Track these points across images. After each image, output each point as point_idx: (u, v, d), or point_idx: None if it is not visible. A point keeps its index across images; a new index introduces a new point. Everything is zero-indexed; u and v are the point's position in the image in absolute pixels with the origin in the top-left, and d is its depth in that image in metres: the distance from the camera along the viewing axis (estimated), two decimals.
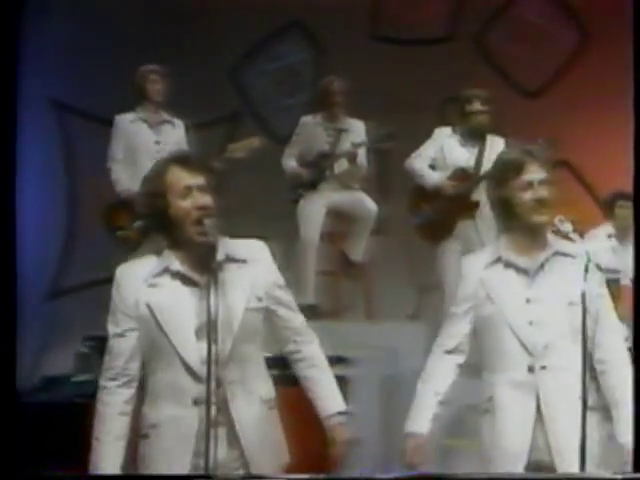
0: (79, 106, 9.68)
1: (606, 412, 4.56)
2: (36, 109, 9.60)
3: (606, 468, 4.47)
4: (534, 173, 4.43)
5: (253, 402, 4.17)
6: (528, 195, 4.40)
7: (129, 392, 4.14)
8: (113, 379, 4.14)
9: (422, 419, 4.54)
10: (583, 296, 4.23)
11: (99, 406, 4.16)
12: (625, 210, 8.86)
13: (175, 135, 7.98)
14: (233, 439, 4.11)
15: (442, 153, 8.05)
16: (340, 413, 4.32)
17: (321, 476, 4.85)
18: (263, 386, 4.25)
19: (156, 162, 4.41)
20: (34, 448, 5.56)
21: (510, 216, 4.50)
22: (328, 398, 4.33)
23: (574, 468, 4.16)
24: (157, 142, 7.80)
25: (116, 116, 7.95)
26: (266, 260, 4.30)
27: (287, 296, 4.35)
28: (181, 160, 4.17)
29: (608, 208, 8.98)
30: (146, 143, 7.81)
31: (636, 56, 5.16)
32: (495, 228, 7.59)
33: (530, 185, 4.41)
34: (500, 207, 4.54)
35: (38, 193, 9.48)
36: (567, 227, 4.35)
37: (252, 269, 4.20)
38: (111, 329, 4.16)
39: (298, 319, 4.36)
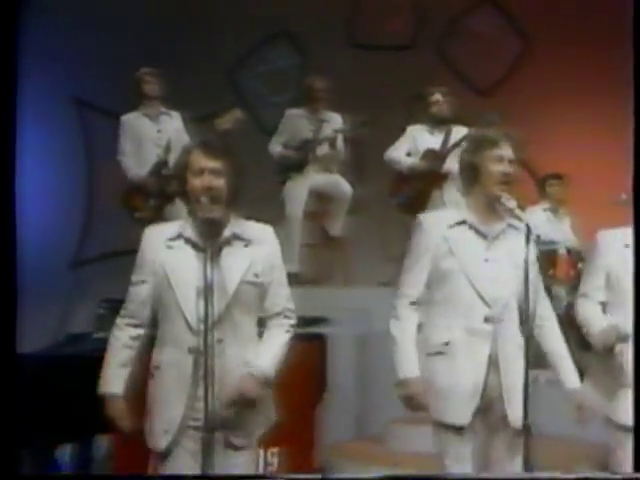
0: (96, 103, 9.72)
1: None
2: (60, 107, 9.71)
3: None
4: (508, 151, 4.45)
5: (235, 362, 4.16)
6: (497, 168, 4.43)
7: (135, 331, 4.23)
8: (123, 317, 4.24)
9: (412, 364, 4.48)
10: (526, 262, 4.31)
11: (110, 338, 4.26)
12: (554, 188, 8.99)
13: (173, 124, 8.05)
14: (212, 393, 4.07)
15: (415, 144, 8.17)
16: (257, 369, 4.18)
17: (321, 476, 4.91)
18: (248, 352, 4.21)
19: (188, 143, 4.57)
20: (60, 392, 5.59)
21: (474, 182, 4.52)
22: (260, 355, 4.23)
23: (519, 406, 4.23)
24: (159, 131, 7.89)
25: (122, 117, 8.03)
26: (270, 243, 4.30)
27: (282, 278, 4.34)
28: (203, 145, 4.21)
29: (541, 187, 9.05)
30: (149, 133, 7.92)
31: (636, 57, 5.06)
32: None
33: (501, 160, 4.43)
34: (468, 172, 4.56)
35: (61, 181, 9.61)
36: (512, 204, 4.40)
37: (255, 249, 4.22)
38: (133, 277, 4.24)
39: (284, 300, 4.34)
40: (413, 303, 4.53)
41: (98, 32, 9.57)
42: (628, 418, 4.71)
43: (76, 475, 4.80)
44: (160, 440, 4.14)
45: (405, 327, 4.53)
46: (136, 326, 4.22)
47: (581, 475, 4.56)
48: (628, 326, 4.72)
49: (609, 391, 4.87)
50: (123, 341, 4.22)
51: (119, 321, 4.25)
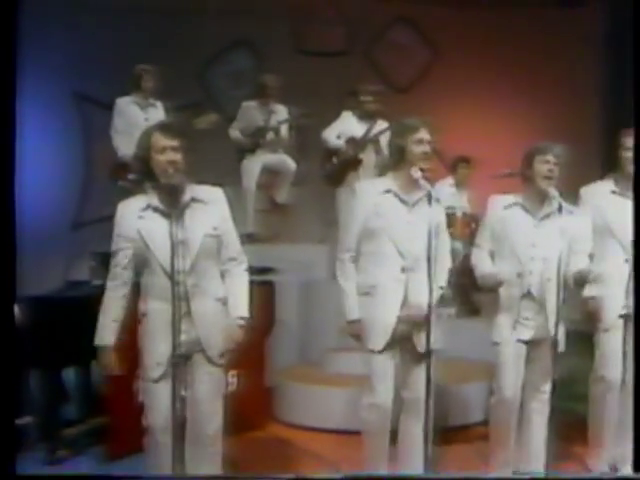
0: (90, 92, 9.66)
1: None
2: (61, 98, 9.68)
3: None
4: (425, 134, 4.56)
5: (208, 300, 4.26)
6: (419, 148, 4.54)
7: (123, 290, 4.23)
8: (113, 280, 4.24)
9: (355, 309, 4.64)
10: (430, 220, 4.40)
11: (104, 299, 4.26)
12: (463, 170, 9.03)
13: (158, 114, 7.80)
14: (193, 326, 4.20)
15: (344, 128, 8.10)
16: (240, 318, 4.35)
17: (322, 476, 4.76)
18: (217, 289, 4.32)
19: (146, 128, 4.41)
20: (63, 326, 5.61)
21: (401, 160, 4.61)
22: (236, 306, 4.36)
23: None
24: (146, 119, 7.61)
25: (117, 99, 7.85)
26: (221, 201, 4.34)
27: (232, 229, 4.39)
28: (162, 127, 4.23)
29: (452, 167, 9.10)
30: (138, 119, 7.65)
31: (636, 56, 4.91)
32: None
33: (420, 142, 4.55)
34: (396, 153, 4.65)
35: (63, 160, 9.65)
36: (418, 175, 4.48)
37: (210, 207, 4.27)
38: (113, 247, 4.24)
39: (237, 246, 4.41)
40: (353, 257, 4.64)
41: (93, 31, 9.58)
42: (500, 338, 4.98)
43: (76, 475, 4.70)
44: (154, 371, 4.20)
45: (350, 278, 4.66)
46: (123, 286, 4.23)
47: (582, 475, 4.58)
48: (508, 273, 4.91)
49: (491, 319, 5.09)
50: (115, 299, 4.23)
51: (109, 284, 4.25)
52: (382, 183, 4.72)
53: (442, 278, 4.71)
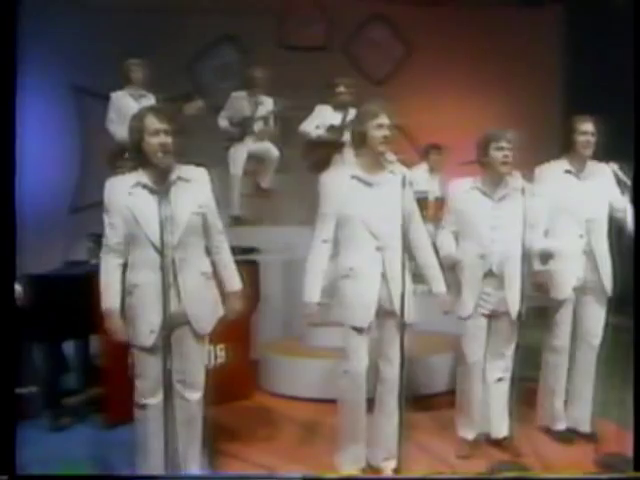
0: (88, 86, 9.62)
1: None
2: (59, 90, 9.64)
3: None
4: (385, 119, 4.45)
5: (194, 274, 4.24)
6: (378, 133, 4.45)
7: (119, 260, 4.18)
8: (107, 253, 4.17)
9: (314, 292, 4.52)
10: (402, 201, 4.38)
11: (102, 269, 4.17)
12: (435, 156, 9.03)
13: (149, 104, 7.80)
14: (180, 299, 4.19)
15: (322, 119, 8.06)
16: (235, 290, 4.40)
17: (332, 476, 4.63)
18: (202, 264, 4.30)
19: (139, 109, 4.40)
20: (63, 302, 5.60)
21: (363, 145, 4.52)
22: (230, 282, 4.40)
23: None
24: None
25: (111, 93, 7.78)
26: (206, 180, 4.32)
27: (215, 207, 4.36)
28: (155, 110, 4.20)
29: (424, 154, 9.09)
30: (131, 108, 7.60)
31: (636, 55, 4.82)
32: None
33: (381, 127, 4.45)
34: (358, 138, 4.55)
35: (63, 149, 9.67)
36: (392, 158, 4.44)
37: (195, 186, 4.24)
38: (106, 221, 4.18)
39: (220, 225, 4.39)
40: (325, 241, 4.53)
41: (90, 28, 9.57)
42: (465, 313, 5.03)
43: (76, 475, 4.65)
44: (147, 339, 4.17)
45: (316, 260, 4.53)
46: (119, 256, 4.17)
47: (583, 475, 4.51)
48: (471, 254, 4.97)
49: (456, 295, 5.08)
50: (113, 267, 4.16)
51: (104, 255, 4.19)
52: (347, 170, 4.61)
53: (430, 258, 4.73)
